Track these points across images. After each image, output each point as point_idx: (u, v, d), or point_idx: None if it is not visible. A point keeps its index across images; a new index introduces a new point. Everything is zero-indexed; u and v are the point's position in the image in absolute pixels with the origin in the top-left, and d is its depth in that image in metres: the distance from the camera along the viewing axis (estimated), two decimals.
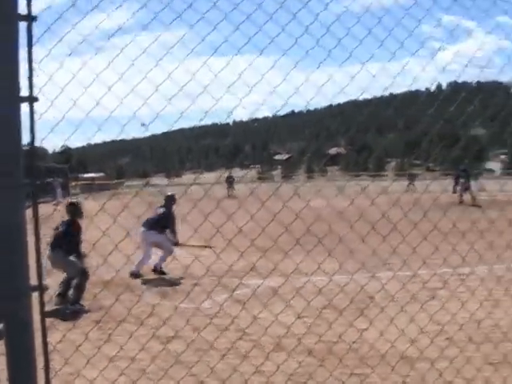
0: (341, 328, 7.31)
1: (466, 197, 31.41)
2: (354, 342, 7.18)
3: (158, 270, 13.44)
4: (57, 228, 10.83)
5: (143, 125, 4.09)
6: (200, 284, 9.43)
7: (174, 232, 13.84)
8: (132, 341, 6.39)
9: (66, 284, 10.55)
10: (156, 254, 13.46)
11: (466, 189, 32.12)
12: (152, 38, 4.30)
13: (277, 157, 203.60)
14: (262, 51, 4.54)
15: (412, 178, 52.01)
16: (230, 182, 48.05)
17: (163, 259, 13.53)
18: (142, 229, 13.76)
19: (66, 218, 10.91)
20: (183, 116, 4.47)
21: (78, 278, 10.38)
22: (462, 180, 32.92)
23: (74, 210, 11.04)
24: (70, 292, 10.47)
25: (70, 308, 10.20)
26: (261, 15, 4.41)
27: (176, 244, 13.18)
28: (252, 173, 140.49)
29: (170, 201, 14.24)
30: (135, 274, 13.06)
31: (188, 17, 4.26)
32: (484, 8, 4.79)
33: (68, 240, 10.46)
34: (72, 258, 10.49)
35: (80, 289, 10.37)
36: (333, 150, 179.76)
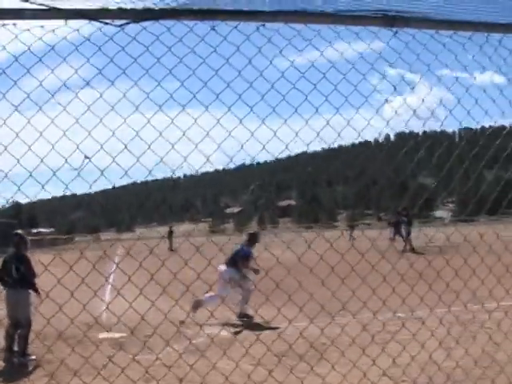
0: (302, 374, 7.18)
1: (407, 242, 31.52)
2: None
3: (242, 315, 13.05)
4: (5, 263, 10.27)
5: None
6: (157, 333, 9.19)
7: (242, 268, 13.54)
8: None
9: (11, 336, 10.09)
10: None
11: (409, 234, 32.23)
12: (96, 94, 4.25)
13: (228, 210, 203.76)
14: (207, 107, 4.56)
15: (352, 228, 54.15)
16: (170, 235, 48.97)
17: (245, 301, 13.24)
18: (223, 267, 13.51)
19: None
20: (133, 171, 4.44)
21: (25, 328, 9.98)
22: (403, 225, 33.15)
23: (20, 242, 10.42)
24: (15, 344, 10.07)
25: (20, 360, 9.85)
26: (205, 71, 4.43)
27: (256, 272, 13.03)
28: (203, 226, 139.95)
29: (253, 239, 13.96)
30: (242, 315, 12.90)
31: (132, 73, 4.25)
32: (426, 62, 4.94)
33: (26, 275, 9.92)
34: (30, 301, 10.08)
35: (26, 339, 9.99)
36: (284, 202, 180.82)
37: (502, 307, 9.71)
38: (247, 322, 12.52)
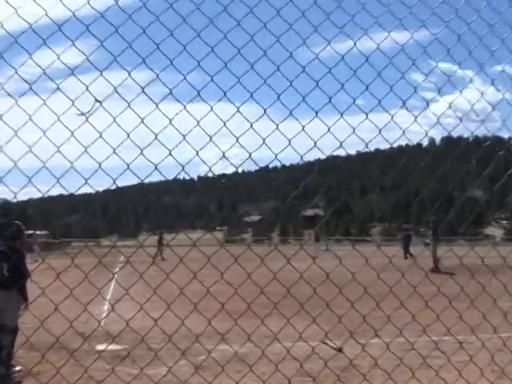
0: None
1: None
2: None
3: None
4: None
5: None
6: (160, 349, 9.10)
7: None
8: None
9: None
10: None
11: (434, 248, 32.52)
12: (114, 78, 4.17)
13: (247, 218, 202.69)
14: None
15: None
16: (159, 243, 48.66)
17: None
18: None
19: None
20: (140, 170, 4.36)
21: (9, 335, 9.78)
22: (431, 240, 34.16)
23: (16, 234, 10.24)
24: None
25: (3, 371, 9.71)
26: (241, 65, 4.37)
27: None
28: (219, 235, 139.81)
29: None
30: None
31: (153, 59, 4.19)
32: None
33: (17, 274, 9.60)
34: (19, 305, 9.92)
35: (11, 348, 9.88)
36: (308, 212, 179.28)
37: None
38: None
